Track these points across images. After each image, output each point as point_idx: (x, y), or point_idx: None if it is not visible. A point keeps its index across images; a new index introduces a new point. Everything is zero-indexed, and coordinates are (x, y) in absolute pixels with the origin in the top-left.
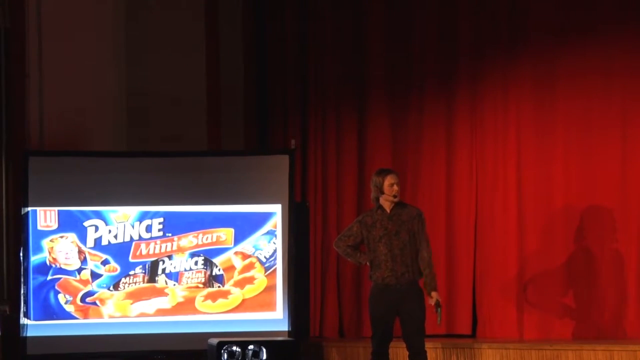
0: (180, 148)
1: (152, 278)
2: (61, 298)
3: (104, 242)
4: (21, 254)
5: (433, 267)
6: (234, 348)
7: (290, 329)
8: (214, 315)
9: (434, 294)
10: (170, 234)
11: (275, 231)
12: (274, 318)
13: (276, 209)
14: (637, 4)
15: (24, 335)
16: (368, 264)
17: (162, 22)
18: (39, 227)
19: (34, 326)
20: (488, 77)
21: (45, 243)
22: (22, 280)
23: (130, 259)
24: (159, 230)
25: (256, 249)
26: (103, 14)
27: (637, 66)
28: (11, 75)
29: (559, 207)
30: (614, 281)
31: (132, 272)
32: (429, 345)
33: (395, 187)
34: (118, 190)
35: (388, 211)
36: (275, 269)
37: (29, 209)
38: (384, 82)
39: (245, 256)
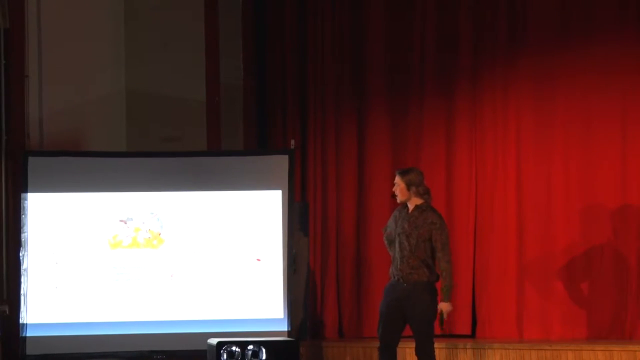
0: (180, 148)
1: None
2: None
3: None
4: (21, 254)
5: (450, 279)
6: (234, 348)
7: (289, 329)
8: (214, 315)
9: (442, 304)
10: None
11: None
12: (274, 318)
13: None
14: (637, 4)
15: (24, 335)
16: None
17: (161, 22)
18: None
19: (34, 326)
20: (488, 77)
21: None
22: (21, 280)
23: None
24: None
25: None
26: (103, 14)
27: (637, 65)
28: (11, 75)
29: (559, 206)
30: (614, 281)
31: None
32: None
33: (394, 187)
34: (117, 190)
35: (409, 212)
36: (274, 269)
37: (29, 208)
38: (383, 82)
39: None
